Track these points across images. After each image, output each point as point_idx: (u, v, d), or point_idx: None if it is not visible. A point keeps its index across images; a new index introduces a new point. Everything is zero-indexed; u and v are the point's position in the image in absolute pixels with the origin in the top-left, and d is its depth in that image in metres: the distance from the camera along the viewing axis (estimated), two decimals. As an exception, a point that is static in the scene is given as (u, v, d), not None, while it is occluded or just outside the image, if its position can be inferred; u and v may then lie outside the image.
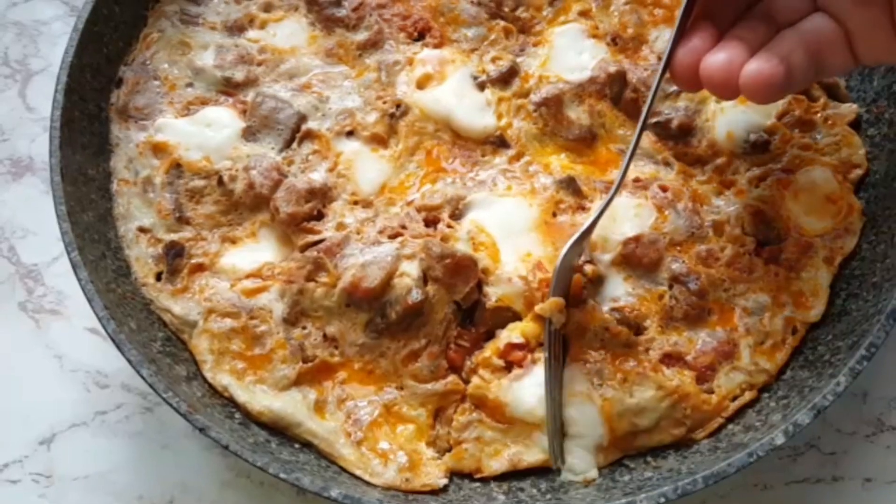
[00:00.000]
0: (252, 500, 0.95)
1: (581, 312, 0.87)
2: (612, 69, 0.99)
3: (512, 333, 0.88)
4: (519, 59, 1.03)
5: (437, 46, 1.03)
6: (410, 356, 0.89)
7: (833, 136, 0.98)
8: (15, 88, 1.17)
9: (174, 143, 0.97)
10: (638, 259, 0.91)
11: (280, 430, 0.87)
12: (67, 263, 0.86)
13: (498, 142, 0.99)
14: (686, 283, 0.90)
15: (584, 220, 0.92)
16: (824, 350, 0.89)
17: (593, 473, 0.86)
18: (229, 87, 1.01)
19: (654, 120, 0.99)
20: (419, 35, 1.04)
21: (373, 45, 1.03)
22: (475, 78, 1.01)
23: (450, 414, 0.89)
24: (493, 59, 1.02)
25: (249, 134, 0.98)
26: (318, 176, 0.96)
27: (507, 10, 1.05)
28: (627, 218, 0.92)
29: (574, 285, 0.88)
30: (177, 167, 0.96)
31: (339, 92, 1.01)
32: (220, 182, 0.95)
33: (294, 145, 0.98)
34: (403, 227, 0.93)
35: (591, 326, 0.87)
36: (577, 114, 0.99)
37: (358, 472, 0.85)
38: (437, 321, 0.89)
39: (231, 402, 0.88)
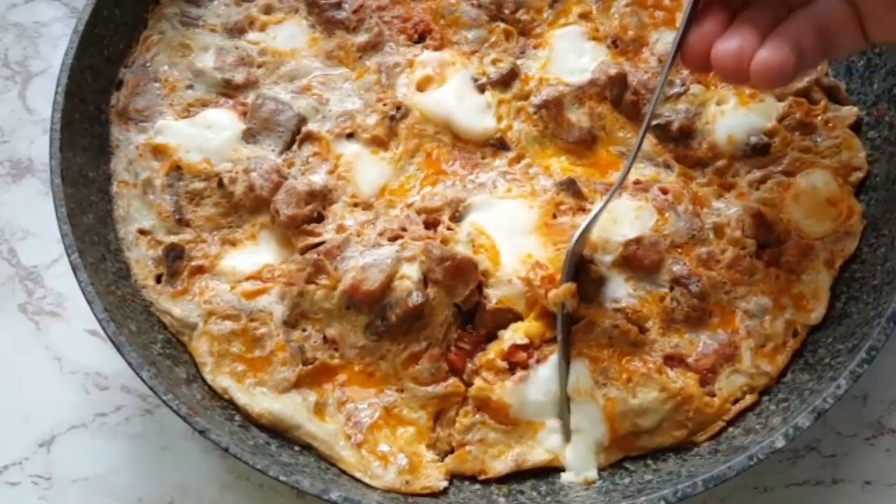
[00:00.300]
0: (252, 502, 0.95)
1: (591, 308, 0.88)
2: (613, 71, 0.99)
3: (515, 334, 0.88)
4: (519, 62, 1.03)
5: (437, 49, 1.03)
6: (411, 358, 0.88)
7: (833, 139, 0.98)
8: (15, 90, 1.17)
9: (174, 145, 0.97)
10: (639, 261, 0.91)
11: (280, 433, 0.87)
12: (67, 265, 0.86)
13: (498, 144, 0.99)
14: (687, 285, 0.90)
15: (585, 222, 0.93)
16: (824, 353, 0.89)
17: (593, 474, 0.86)
18: (229, 89, 1.01)
19: (654, 122, 0.99)
20: (419, 37, 1.04)
21: (373, 47, 1.03)
22: (475, 80, 1.01)
23: (450, 416, 0.89)
24: (494, 62, 1.02)
25: (249, 136, 0.98)
26: (318, 178, 0.96)
27: (507, 12, 1.05)
28: (628, 220, 0.92)
29: (590, 276, 0.89)
30: (177, 169, 0.96)
31: (340, 94, 1.01)
32: (221, 184, 0.95)
33: (294, 147, 0.98)
34: (404, 229, 0.93)
35: (601, 323, 0.87)
36: (578, 116, 0.99)
37: (358, 475, 0.85)
38: (437, 323, 0.89)
39: (231, 405, 0.88)
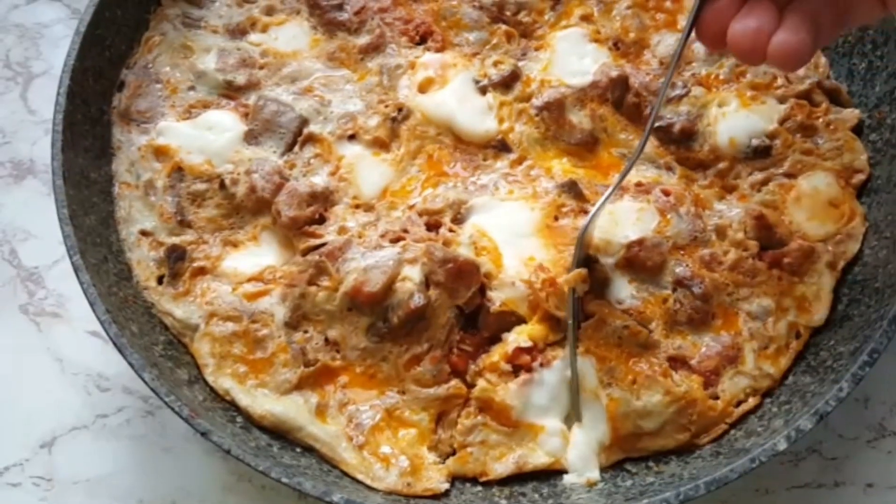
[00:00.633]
0: (253, 504, 0.95)
1: (602, 306, 0.88)
2: (614, 74, 0.99)
3: (520, 337, 0.88)
4: (521, 64, 1.03)
5: (438, 50, 1.03)
6: (412, 360, 0.88)
7: (835, 142, 0.98)
8: (16, 91, 1.17)
9: (176, 147, 0.97)
10: (641, 262, 0.91)
11: (282, 434, 0.87)
12: (68, 266, 0.86)
13: (499, 146, 0.99)
14: (690, 286, 0.90)
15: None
16: (826, 355, 0.89)
17: (595, 475, 0.86)
18: (231, 91, 1.01)
19: (656, 124, 0.99)
20: (421, 39, 1.04)
21: (374, 48, 1.03)
22: (477, 82, 1.01)
23: (452, 418, 0.88)
24: (495, 63, 1.02)
25: (251, 137, 0.98)
26: (319, 180, 0.96)
27: (508, 14, 1.05)
28: (630, 221, 0.92)
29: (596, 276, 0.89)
30: (178, 171, 0.96)
31: (341, 95, 1.01)
32: (222, 185, 0.95)
33: (296, 149, 0.98)
34: (405, 231, 0.93)
35: (611, 322, 0.87)
36: (579, 118, 0.99)
37: (360, 477, 0.85)
38: (439, 325, 0.88)
39: (232, 406, 0.88)
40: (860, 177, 0.97)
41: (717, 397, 0.89)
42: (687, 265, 0.92)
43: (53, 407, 1.00)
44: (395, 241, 0.92)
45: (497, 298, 0.89)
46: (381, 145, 0.99)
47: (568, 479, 0.86)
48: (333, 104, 1.00)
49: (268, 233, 0.95)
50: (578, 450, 0.86)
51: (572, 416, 0.88)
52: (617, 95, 1.00)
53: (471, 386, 0.89)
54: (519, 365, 0.88)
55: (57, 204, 0.88)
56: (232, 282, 0.92)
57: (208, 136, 0.98)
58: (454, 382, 0.89)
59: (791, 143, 0.97)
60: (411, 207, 0.95)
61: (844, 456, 0.97)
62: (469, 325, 0.91)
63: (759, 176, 0.97)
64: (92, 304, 0.84)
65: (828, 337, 0.91)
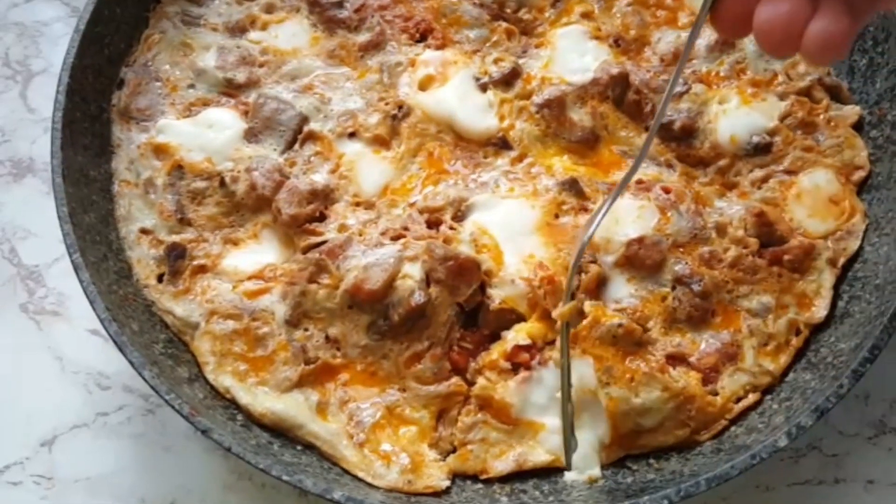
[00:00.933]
0: (254, 502, 0.95)
1: (595, 308, 0.88)
2: (615, 71, 0.99)
3: (518, 335, 0.88)
4: (521, 61, 1.03)
5: (439, 48, 1.03)
6: (413, 358, 0.88)
7: (835, 139, 0.98)
8: (16, 89, 1.17)
9: (176, 145, 0.97)
10: (641, 260, 0.91)
11: (282, 432, 0.87)
12: (68, 265, 0.86)
13: (500, 143, 0.99)
14: (689, 284, 0.90)
15: (586, 221, 0.92)
16: (827, 352, 0.89)
17: (596, 472, 0.86)
18: (231, 89, 1.01)
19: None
20: (421, 36, 1.04)
21: (375, 46, 1.03)
22: (477, 79, 1.01)
23: (453, 415, 0.88)
24: (496, 61, 1.02)
25: (251, 135, 0.98)
26: (320, 177, 0.96)
27: (509, 11, 1.05)
28: (630, 220, 0.92)
29: (589, 279, 0.89)
30: (178, 168, 0.96)
31: (341, 93, 1.01)
32: (222, 183, 0.95)
33: (296, 147, 0.98)
34: (406, 228, 0.93)
35: (605, 322, 0.87)
36: (580, 115, 0.99)
37: (360, 474, 0.85)
38: (439, 323, 0.88)
39: (233, 404, 0.88)
40: (861, 173, 0.97)
41: (716, 394, 0.89)
42: (687, 263, 0.92)
43: (54, 405, 1.00)
44: (395, 238, 0.92)
45: (497, 296, 0.89)
46: (381, 143, 0.99)
47: (569, 476, 0.86)
48: (333, 102, 1.00)
49: (268, 231, 0.95)
50: (580, 450, 0.86)
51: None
52: (617, 93, 1.00)
53: (471, 383, 0.89)
54: (518, 363, 0.88)
55: (56, 202, 0.88)
56: (232, 280, 0.92)
57: (208, 134, 0.98)
58: (454, 380, 0.89)
59: (792, 140, 0.97)
60: (412, 205, 0.95)
61: (845, 452, 0.97)
62: (469, 322, 0.91)
63: (759, 173, 0.97)
64: (92, 303, 0.84)
65: (828, 334, 0.91)
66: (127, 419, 0.99)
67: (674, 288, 0.91)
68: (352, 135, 0.99)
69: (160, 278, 0.94)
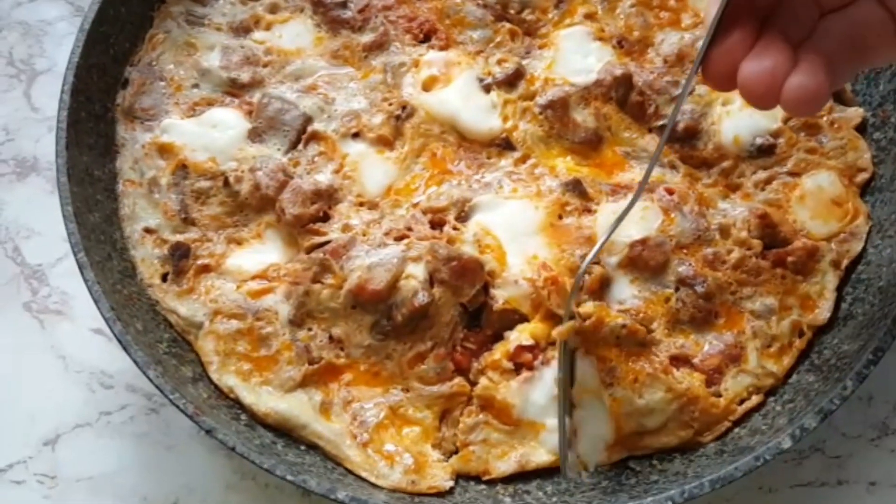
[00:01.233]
0: (257, 502, 0.95)
1: (598, 308, 0.87)
2: (618, 72, 0.99)
3: (521, 335, 0.88)
4: (525, 62, 1.03)
5: (442, 48, 1.03)
6: (416, 358, 0.88)
7: (839, 140, 0.98)
8: (20, 88, 1.17)
9: (180, 144, 0.97)
10: (644, 262, 0.91)
11: (286, 432, 0.87)
12: (72, 264, 0.86)
13: (503, 144, 0.99)
14: (693, 285, 0.90)
15: (590, 222, 0.93)
16: (830, 354, 0.89)
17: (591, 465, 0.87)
18: (235, 89, 1.01)
19: (659, 123, 0.99)
20: (425, 37, 1.04)
21: (378, 46, 1.03)
22: (481, 80, 1.01)
23: (456, 416, 0.89)
24: (499, 62, 1.02)
25: (255, 135, 0.98)
26: (323, 177, 0.96)
27: (512, 12, 1.05)
28: (633, 221, 0.92)
29: (592, 280, 0.89)
30: (182, 168, 0.96)
31: (345, 93, 1.01)
32: (226, 183, 0.95)
33: (300, 147, 0.98)
34: (409, 228, 0.93)
35: (609, 323, 0.87)
36: (583, 116, 0.99)
37: (364, 474, 0.85)
38: (443, 323, 0.89)
39: (237, 404, 0.88)
40: (864, 175, 0.97)
41: (719, 395, 0.89)
42: (690, 264, 0.92)
43: (57, 405, 1.00)
44: (399, 238, 0.92)
45: (500, 296, 0.89)
46: (384, 143, 0.99)
47: (570, 473, 0.86)
48: (337, 102, 1.00)
49: (272, 230, 0.95)
50: (582, 449, 0.86)
51: (573, 415, 0.87)
52: (621, 94, 1.00)
53: (474, 384, 0.89)
54: (521, 363, 0.88)
55: (61, 201, 0.88)
56: (236, 279, 0.92)
57: (212, 134, 0.98)
58: (458, 380, 0.89)
59: (795, 142, 0.98)
60: (415, 205, 0.95)
61: (848, 454, 0.97)
62: (473, 322, 0.91)
63: (762, 175, 0.97)
64: (96, 302, 0.84)
65: (832, 335, 0.91)
66: (130, 418, 0.99)
67: (677, 289, 0.91)
68: (355, 135, 0.99)
69: (164, 278, 0.94)
